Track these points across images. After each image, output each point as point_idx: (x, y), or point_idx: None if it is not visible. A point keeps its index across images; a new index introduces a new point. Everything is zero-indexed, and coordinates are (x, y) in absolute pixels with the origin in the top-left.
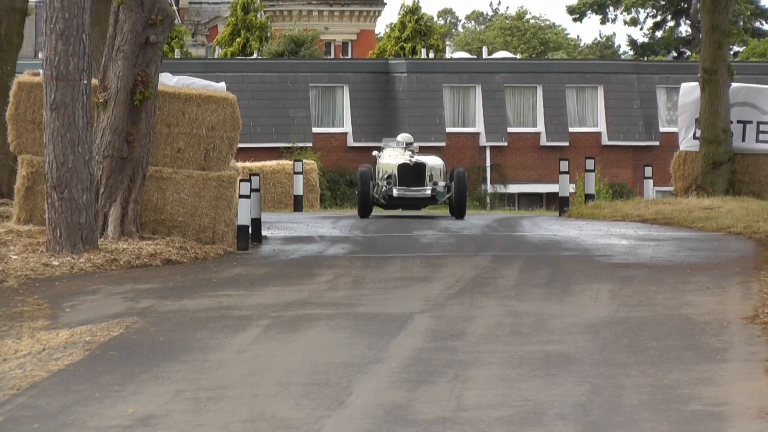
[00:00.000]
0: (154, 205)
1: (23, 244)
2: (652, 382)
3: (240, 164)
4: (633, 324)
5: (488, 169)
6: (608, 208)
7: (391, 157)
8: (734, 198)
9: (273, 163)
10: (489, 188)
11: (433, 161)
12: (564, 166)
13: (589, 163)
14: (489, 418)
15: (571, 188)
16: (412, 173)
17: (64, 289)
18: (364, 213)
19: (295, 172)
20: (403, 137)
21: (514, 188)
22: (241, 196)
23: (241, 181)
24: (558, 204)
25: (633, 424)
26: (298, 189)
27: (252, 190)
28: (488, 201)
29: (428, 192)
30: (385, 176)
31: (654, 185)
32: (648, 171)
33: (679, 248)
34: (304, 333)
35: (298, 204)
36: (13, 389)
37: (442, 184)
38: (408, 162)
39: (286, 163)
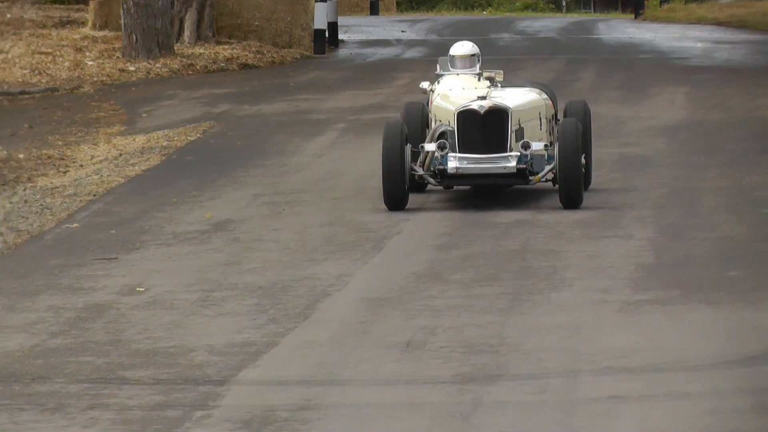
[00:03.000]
0: (230, 10)
1: (99, 50)
2: (730, 185)
3: None
4: (709, 126)
5: None
6: (683, 11)
7: (452, 93)
8: None
9: None
10: None
11: (523, 101)
12: None
13: None
14: (567, 221)
15: None
16: (482, 128)
17: (140, 95)
18: (395, 202)
19: None
20: (463, 48)
21: None
22: (317, 0)
23: None
24: (633, 7)
25: (711, 227)
26: None
27: None
28: (564, 3)
29: (512, 163)
30: (437, 132)
31: None
32: None
33: (753, 51)
34: (380, 137)
35: (374, 7)
36: (90, 195)
37: (539, 144)
38: (475, 107)
39: None
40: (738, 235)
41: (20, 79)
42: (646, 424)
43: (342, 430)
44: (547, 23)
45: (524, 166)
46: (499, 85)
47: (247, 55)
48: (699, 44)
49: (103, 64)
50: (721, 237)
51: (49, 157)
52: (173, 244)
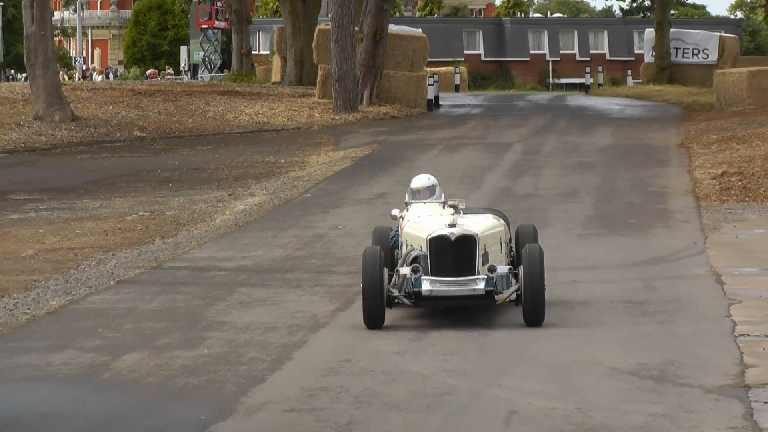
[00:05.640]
0: (386, 88)
1: (321, 109)
2: (632, 176)
3: (429, 69)
4: (623, 147)
5: (551, 71)
6: (610, 90)
7: (421, 220)
8: (672, 85)
9: (444, 68)
10: (551, 81)
11: (487, 227)
12: (588, 70)
13: (600, 68)
14: (551, 194)
15: (591, 81)
16: (453, 253)
17: (341, 131)
18: (374, 321)
19: (455, 73)
20: (419, 182)
21: (564, 80)
22: (429, 85)
23: (429, 77)
24: (584, 89)
25: (622, 197)
26: (457, 81)
27: (434, 81)
28: (550, 87)
29: (480, 285)
30: (410, 257)
31: (632, 79)
32: (629, 72)
33: (644, 110)
34: (459, 152)
35: (456, 88)
36: (316, 180)
37: (503, 269)
38: (446, 234)
39: (451, 68)
40: (636, 201)
41: (281, 123)
42: (590, 294)
43: None
44: (542, 96)
45: (491, 288)
46: (462, 212)
47: (394, 111)
48: (617, 106)
49: (323, 115)
50: (627, 202)
51: (296, 161)
52: (356, 205)
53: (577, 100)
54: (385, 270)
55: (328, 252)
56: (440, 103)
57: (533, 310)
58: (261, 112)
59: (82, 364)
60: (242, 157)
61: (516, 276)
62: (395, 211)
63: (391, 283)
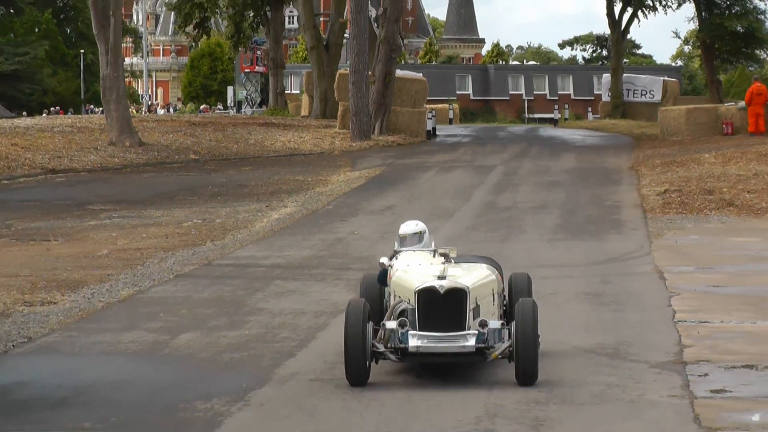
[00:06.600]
0: (393, 122)
1: (341, 138)
2: (592, 193)
3: (428, 106)
4: (584, 169)
5: (526, 108)
6: (574, 123)
7: (410, 270)
8: (624, 120)
9: (440, 105)
10: (527, 115)
11: (479, 278)
12: (557, 107)
13: (567, 106)
14: (526, 207)
15: (559, 115)
16: (442, 307)
17: (357, 155)
18: (357, 378)
19: (449, 109)
20: (407, 228)
21: (537, 115)
22: (428, 118)
23: (428, 112)
24: (553, 122)
25: (584, 210)
26: (450, 116)
27: (432, 116)
28: (526, 120)
29: (471, 342)
30: (397, 310)
31: (592, 114)
32: (590, 109)
33: (602, 139)
34: (452, 172)
35: (450, 122)
36: (336, 195)
37: (495, 324)
38: (435, 287)
39: (446, 105)
40: (595, 213)
41: (309, 148)
42: (557, 287)
43: None
44: (519, 128)
45: (482, 344)
46: (452, 260)
47: (400, 140)
48: (579, 136)
49: (342, 143)
50: (588, 214)
51: (320, 180)
52: (369, 215)
53: (548, 131)
54: (370, 324)
55: (347, 252)
56: (437, 133)
57: (525, 369)
58: (292, 140)
59: (146, 342)
60: (277, 176)
61: (509, 332)
62: (383, 259)
63: (377, 338)
